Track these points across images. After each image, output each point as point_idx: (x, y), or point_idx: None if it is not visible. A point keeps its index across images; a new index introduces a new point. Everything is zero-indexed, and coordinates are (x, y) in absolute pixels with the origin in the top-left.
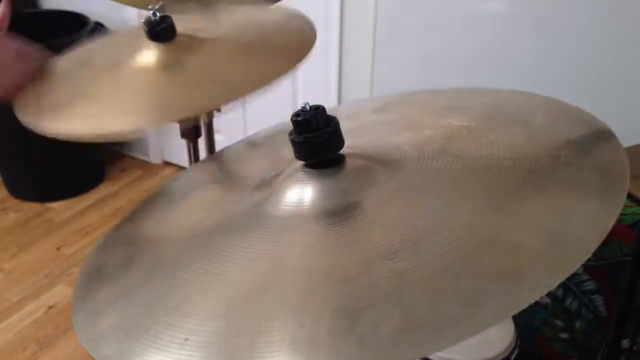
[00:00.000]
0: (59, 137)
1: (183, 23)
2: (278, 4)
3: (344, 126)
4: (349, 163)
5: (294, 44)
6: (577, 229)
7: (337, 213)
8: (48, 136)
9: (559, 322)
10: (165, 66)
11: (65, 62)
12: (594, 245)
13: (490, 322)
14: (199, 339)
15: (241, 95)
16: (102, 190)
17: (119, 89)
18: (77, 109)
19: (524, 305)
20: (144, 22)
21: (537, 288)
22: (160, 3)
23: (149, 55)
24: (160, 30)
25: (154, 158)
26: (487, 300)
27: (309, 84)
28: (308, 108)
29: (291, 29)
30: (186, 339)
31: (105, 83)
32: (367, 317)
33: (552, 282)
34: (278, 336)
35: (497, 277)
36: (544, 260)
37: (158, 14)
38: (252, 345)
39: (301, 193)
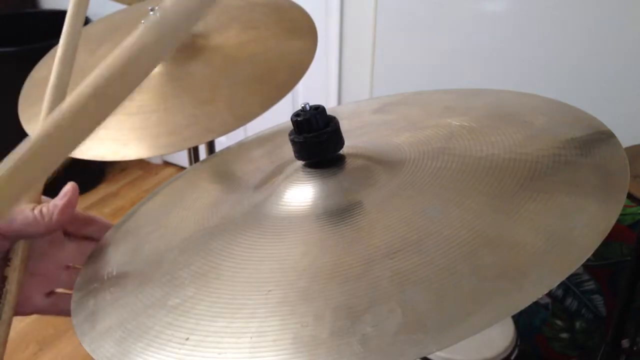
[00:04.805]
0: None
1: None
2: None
3: (344, 126)
4: (349, 163)
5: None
6: (577, 229)
7: (337, 213)
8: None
9: (559, 322)
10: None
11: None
12: (594, 245)
13: (491, 321)
14: (200, 339)
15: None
16: (102, 190)
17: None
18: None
19: (524, 305)
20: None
21: (537, 288)
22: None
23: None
24: None
25: (154, 158)
26: (488, 299)
27: (309, 84)
28: (308, 108)
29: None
30: (187, 339)
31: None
32: (369, 317)
33: (552, 281)
34: (279, 336)
35: (497, 277)
36: (544, 260)
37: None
38: (252, 345)
39: (301, 193)
